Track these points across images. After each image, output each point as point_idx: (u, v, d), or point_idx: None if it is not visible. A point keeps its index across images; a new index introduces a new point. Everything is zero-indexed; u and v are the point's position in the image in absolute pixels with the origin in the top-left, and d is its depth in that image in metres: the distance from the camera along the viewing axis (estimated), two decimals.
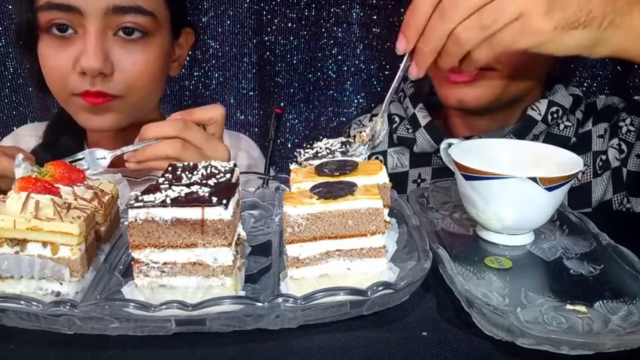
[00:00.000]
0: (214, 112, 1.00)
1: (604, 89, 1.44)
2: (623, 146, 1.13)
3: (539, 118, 1.12)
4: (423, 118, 1.21)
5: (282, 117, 1.37)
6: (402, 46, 0.77)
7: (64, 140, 1.23)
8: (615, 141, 1.13)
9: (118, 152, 0.97)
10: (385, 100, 0.85)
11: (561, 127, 1.15)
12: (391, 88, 0.84)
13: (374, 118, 0.87)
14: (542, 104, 1.13)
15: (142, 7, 1.05)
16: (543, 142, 1.13)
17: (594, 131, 1.16)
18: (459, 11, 0.70)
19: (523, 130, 1.13)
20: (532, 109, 1.13)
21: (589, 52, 0.77)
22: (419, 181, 1.25)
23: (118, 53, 1.05)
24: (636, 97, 1.17)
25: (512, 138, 1.12)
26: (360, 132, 0.87)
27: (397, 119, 1.27)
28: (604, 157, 1.13)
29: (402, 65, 0.80)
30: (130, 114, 1.11)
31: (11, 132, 1.41)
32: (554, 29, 0.70)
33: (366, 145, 0.85)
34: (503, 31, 0.70)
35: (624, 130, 1.13)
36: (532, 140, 1.13)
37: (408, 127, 1.24)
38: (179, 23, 1.17)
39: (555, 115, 1.13)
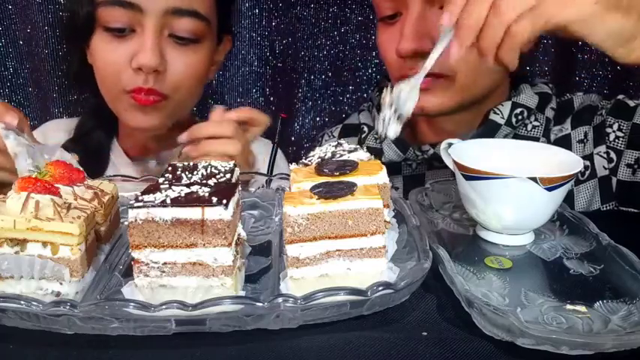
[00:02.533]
0: (263, 119, 1.04)
1: (604, 89, 1.44)
2: (612, 154, 1.08)
3: (502, 122, 1.11)
4: None
5: (287, 121, 1.38)
6: (446, 19, 0.76)
7: (95, 135, 1.25)
8: (602, 148, 1.09)
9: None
10: (422, 69, 0.83)
11: (529, 127, 1.13)
12: (430, 58, 0.82)
13: (398, 85, 0.84)
14: (506, 107, 1.11)
15: (199, 12, 1.08)
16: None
17: (574, 136, 1.12)
18: None
19: (487, 135, 1.10)
20: (495, 112, 1.11)
21: (625, 47, 0.74)
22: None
23: (171, 53, 1.07)
24: (620, 97, 1.13)
25: None
26: (384, 94, 0.84)
27: (366, 129, 1.27)
28: (587, 164, 1.10)
29: (440, 40, 0.79)
30: (173, 115, 1.14)
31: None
32: (595, 3, 0.70)
33: (392, 110, 0.83)
34: (546, 3, 0.70)
35: (612, 137, 1.08)
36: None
37: (376, 136, 1.24)
38: (223, 29, 1.20)
39: (520, 117, 1.11)
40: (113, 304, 0.60)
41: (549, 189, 0.76)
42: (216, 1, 1.13)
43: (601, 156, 1.09)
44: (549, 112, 1.15)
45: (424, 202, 0.96)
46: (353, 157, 0.80)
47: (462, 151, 0.84)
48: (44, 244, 0.65)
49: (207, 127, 0.99)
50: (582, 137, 1.12)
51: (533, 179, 0.75)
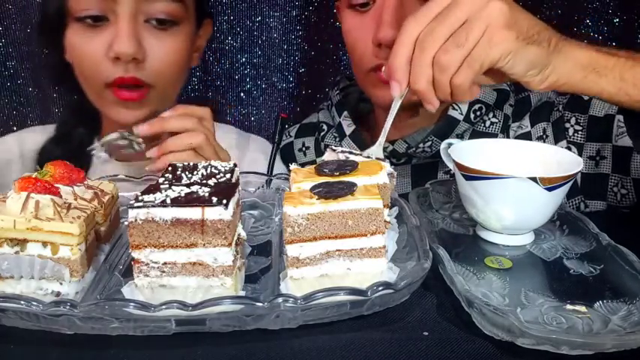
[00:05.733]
0: (204, 111, 1.02)
1: None
2: (574, 149, 1.09)
3: (460, 117, 1.12)
4: (348, 126, 1.21)
5: (287, 122, 1.38)
6: (396, 90, 0.80)
7: (76, 134, 1.21)
8: (563, 144, 1.10)
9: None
10: (379, 139, 0.87)
11: (487, 123, 1.15)
12: (383, 130, 0.86)
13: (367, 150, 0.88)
14: (464, 103, 1.12)
15: None
16: (469, 140, 1.12)
17: (533, 133, 1.14)
18: (435, 38, 0.75)
19: (445, 130, 1.12)
20: (453, 108, 1.13)
21: (541, 75, 0.80)
22: None
23: (149, 40, 1.04)
24: None
25: (434, 138, 1.11)
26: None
27: (325, 127, 1.28)
28: None
29: (392, 108, 0.83)
30: (159, 105, 1.10)
31: (12, 131, 1.41)
32: (516, 38, 0.75)
33: None
34: (476, 48, 0.74)
35: (571, 131, 1.10)
36: (456, 139, 1.11)
37: (335, 135, 1.25)
38: (202, 12, 1.17)
39: (479, 113, 1.13)
40: (113, 304, 0.60)
41: (549, 189, 0.76)
42: None
43: None
44: (508, 109, 1.17)
45: (424, 202, 0.96)
46: None
47: (462, 151, 0.84)
48: (44, 244, 0.65)
49: (172, 122, 0.97)
50: (541, 134, 1.13)
51: (533, 179, 0.75)
